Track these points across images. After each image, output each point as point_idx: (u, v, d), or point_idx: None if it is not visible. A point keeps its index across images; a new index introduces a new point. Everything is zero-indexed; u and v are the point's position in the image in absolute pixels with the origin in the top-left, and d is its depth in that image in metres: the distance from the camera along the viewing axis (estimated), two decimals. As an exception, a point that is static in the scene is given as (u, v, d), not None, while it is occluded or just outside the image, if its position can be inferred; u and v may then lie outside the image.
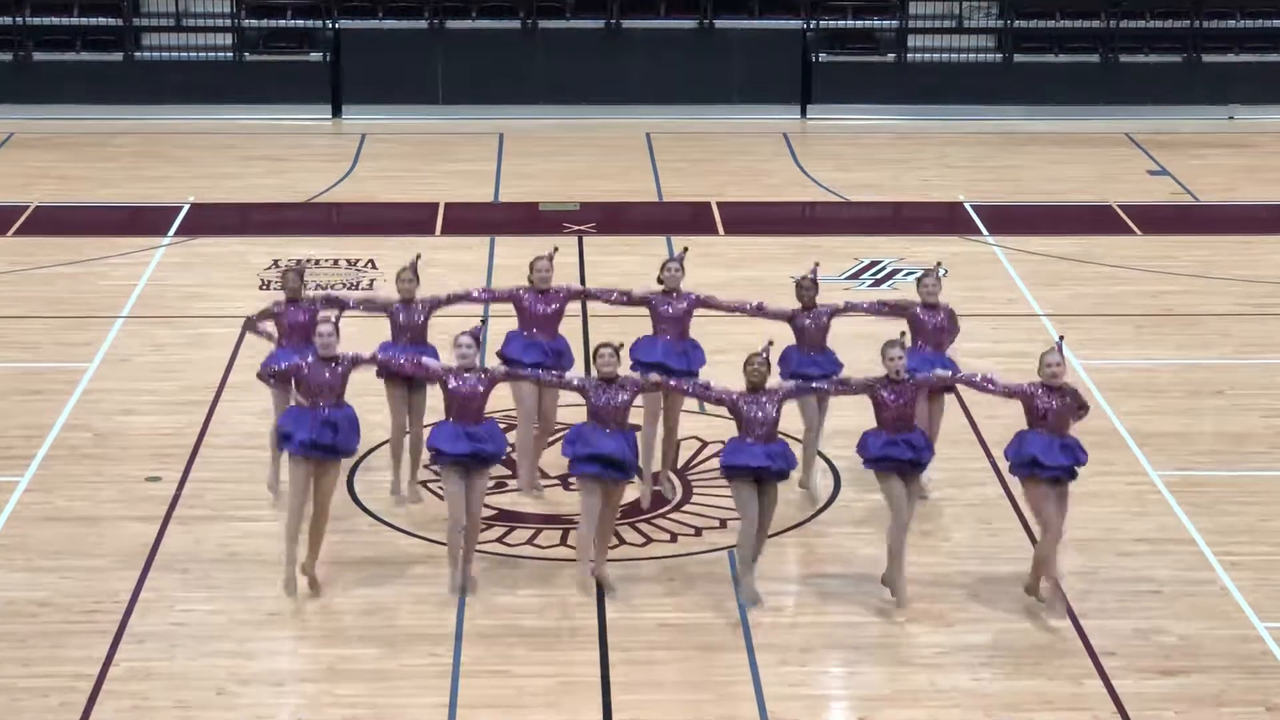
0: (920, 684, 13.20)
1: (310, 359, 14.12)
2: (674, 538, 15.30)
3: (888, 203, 24.82)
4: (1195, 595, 14.40)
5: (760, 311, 15.63)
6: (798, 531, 15.39)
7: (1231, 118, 29.09)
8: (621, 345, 14.44)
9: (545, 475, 16.07)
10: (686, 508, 15.79)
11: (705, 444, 16.70)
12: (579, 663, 13.41)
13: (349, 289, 20.74)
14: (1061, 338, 14.46)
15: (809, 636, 13.82)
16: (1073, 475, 13.98)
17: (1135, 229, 23.49)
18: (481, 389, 14.07)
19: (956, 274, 21.36)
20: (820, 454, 16.23)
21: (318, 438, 13.97)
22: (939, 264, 16.71)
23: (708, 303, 15.73)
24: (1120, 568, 14.82)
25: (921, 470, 14.22)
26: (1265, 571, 14.76)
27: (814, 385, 14.59)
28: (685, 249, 16.79)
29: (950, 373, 14.53)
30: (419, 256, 16.11)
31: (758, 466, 13.88)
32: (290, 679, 13.23)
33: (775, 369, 14.69)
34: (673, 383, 14.55)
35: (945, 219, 23.90)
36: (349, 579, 14.51)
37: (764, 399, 13.94)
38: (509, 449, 15.29)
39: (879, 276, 21.29)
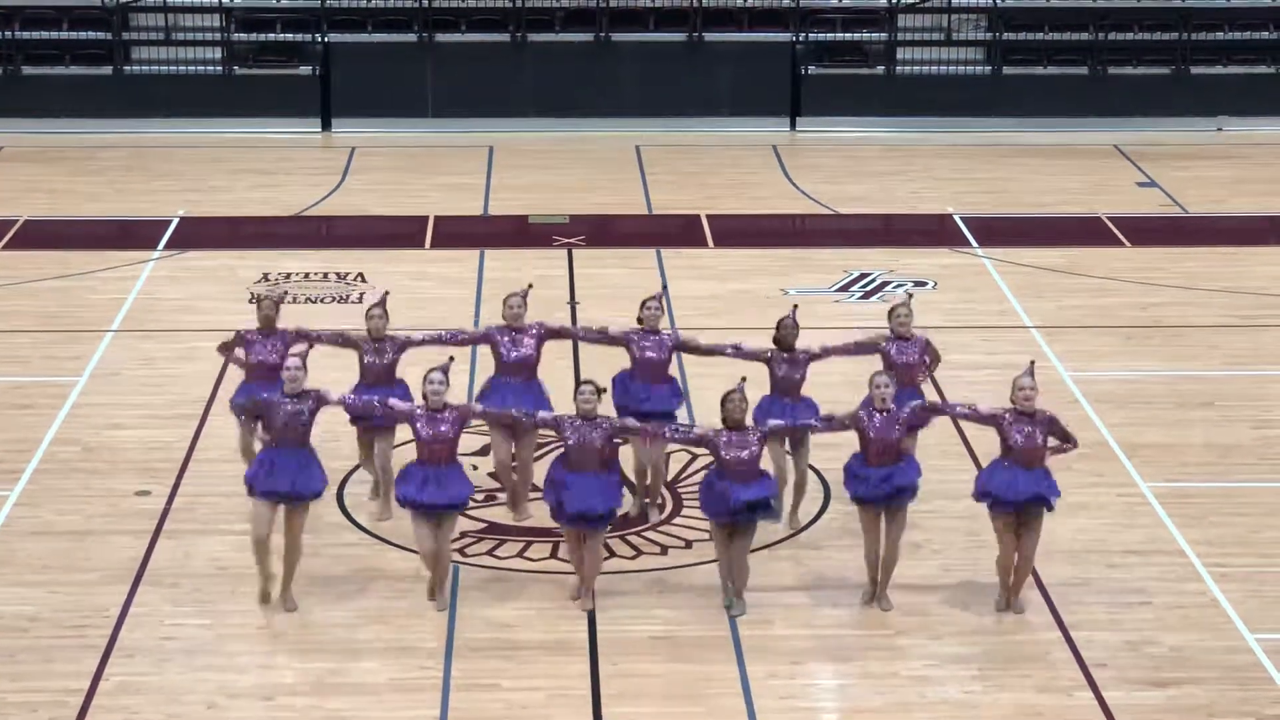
0: (910, 696, 13.19)
1: (278, 396, 14.07)
2: (664, 550, 15.30)
3: (877, 215, 24.82)
4: (1185, 607, 14.41)
5: (738, 353, 15.42)
6: (788, 543, 15.39)
7: (1220, 129, 29.13)
8: (605, 391, 14.36)
9: (537, 489, 16.02)
10: (677, 520, 15.79)
11: (695, 456, 16.69)
12: (569, 675, 13.40)
13: (339, 303, 20.75)
14: (1032, 362, 14.39)
15: (798, 648, 13.81)
16: (1036, 508, 13.88)
17: (1124, 241, 23.51)
18: (451, 432, 13.98)
19: (946, 286, 21.39)
20: (810, 466, 16.22)
21: (280, 485, 13.94)
22: (910, 295, 16.54)
23: (685, 345, 15.62)
24: (1110, 579, 14.83)
25: (902, 501, 14.07)
26: (1255, 583, 14.77)
27: (799, 423, 14.49)
28: (665, 288, 16.62)
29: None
30: (388, 293, 16.13)
31: (731, 512, 13.84)
32: (280, 693, 13.21)
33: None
34: (649, 428, 14.37)
35: (935, 231, 23.90)
36: (338, 593, 14.50)
37: (746, 437, 13.83)
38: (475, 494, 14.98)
39: (869, 289, 21.30)
